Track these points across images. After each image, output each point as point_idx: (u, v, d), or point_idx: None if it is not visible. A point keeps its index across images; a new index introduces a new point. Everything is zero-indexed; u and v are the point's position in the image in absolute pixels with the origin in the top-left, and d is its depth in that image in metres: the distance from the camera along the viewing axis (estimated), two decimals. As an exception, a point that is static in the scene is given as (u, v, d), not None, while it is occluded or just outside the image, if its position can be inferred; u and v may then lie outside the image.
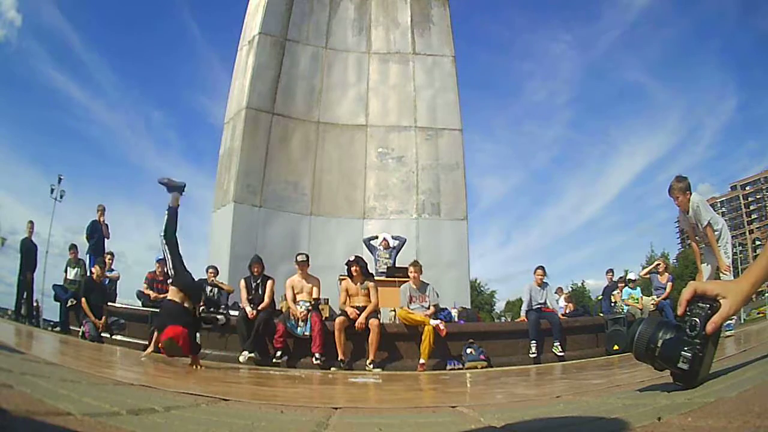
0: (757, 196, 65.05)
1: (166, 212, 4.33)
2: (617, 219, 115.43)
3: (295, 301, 5.57)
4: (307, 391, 2.97)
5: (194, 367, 3.86)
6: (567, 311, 8.06)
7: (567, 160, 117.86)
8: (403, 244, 7.40)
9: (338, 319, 5.35)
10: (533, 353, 5.72)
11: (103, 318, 6.30)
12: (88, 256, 8.08)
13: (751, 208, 65.82)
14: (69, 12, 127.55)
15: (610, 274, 9.00)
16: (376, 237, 7.53)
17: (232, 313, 6.13)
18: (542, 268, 6.55)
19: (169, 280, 4.50)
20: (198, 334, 4.40)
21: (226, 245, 7.70)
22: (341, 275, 6.18)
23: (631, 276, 8.19)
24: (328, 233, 8.27)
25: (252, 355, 5.27)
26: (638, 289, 7.91)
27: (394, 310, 6.08)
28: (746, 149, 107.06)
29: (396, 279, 6.40)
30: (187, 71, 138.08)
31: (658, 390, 1.31)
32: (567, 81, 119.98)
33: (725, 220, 5.50)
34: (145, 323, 6.05)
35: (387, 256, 7.22)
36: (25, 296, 8.04)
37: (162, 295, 6.64)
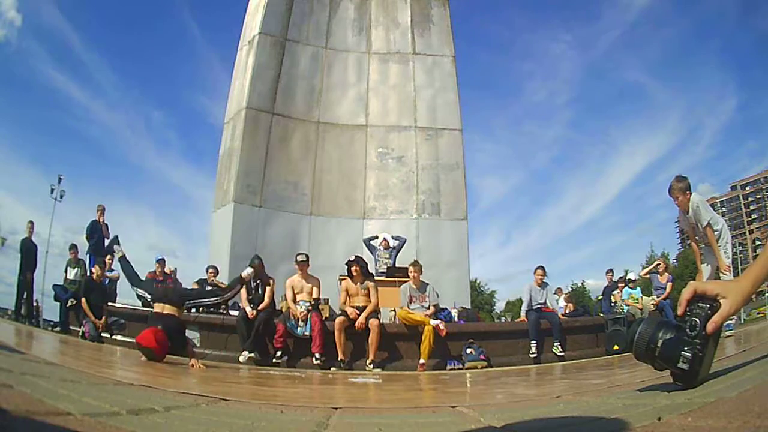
0: (757, 196, 65.04)
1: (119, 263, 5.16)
2: (617, 219, 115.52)
3: (295, 301, 5.57)
4: (307, 391, 2.97)
5: (192, 366, 3.86)
6: (567, 311, 8.06)
7: (567, 160, 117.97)
8: (403, 244, 7.40)
9: (338, 319, 5.35)
10: (533, 353, 5.72)
11: (103, 318, 6.30)
12: (88, 256, 8.09)
13: (751, 208, 65.81)
14: (69, 12, 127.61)
15: (610, 274, 9.00)
16: (376, 237, 7.53)
17: (232, 313, 6.14)
18: (542, 268, 6.55)
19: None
20: (188, 335, 4.46)
21: (226, 245, 7.70)
22: (341, 275, 6.18)
23: (631, 276, 8.19)
24: (328, 233, 8.27)
25: (252, 355, 5.27)
26: (638, 289, 7.91)
27: (394, 310, 6.08)
28: (746, 149, 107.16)
29: (396, 279, 6.40)
30: (187, 71, 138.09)
31: (658, 390, 1.31)
32: (567, 81, 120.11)
33: (725, 220, 5.50)
34: (145, 323, 6.03)
35: (387, 256, 7.22)
36: (25, 296, 8.03)
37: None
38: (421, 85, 9.00)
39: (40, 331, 7.18)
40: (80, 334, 6.15)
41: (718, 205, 60.43)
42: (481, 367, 5.26)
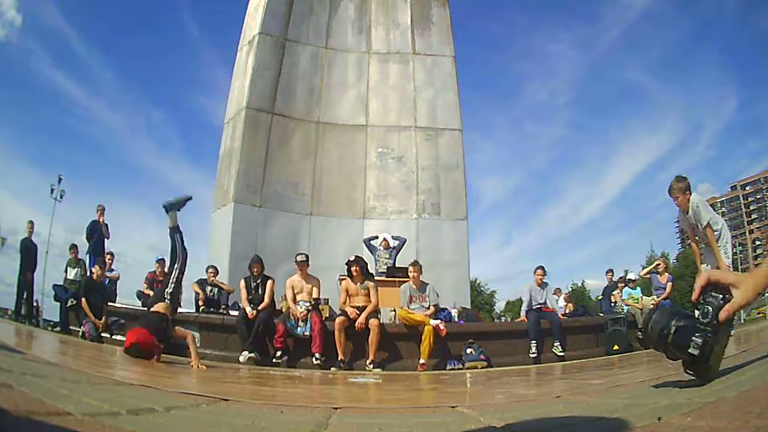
0: (757, 196, 65.04)
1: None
2: (617, 219, 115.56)
3: (295, 301, 5.57)
4: (307, 391, 2.97)
5: (192, 366, 3.86)
6: (567, 311, 8.06)
7: (567, 161, 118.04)
8: (403, 244, 7.40)
9: (338, 319, 5.35)
10: (533, 353, 5.72)
11: (103, 318, 6.30)
12: (88, 256, 8.08)
13: (751, 208, 65.79)
14: (69, 12, 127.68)
15: (610, 274, 9.00)
16: (376, 237, 7.53)
17: (232, 313, 6.14)
18: (542, 268, 6.55)
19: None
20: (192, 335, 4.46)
21: (226, 245, 7.70)
22: (341, 275, 6.18)
23: (631, 276, 8.18)
24: (328, 233, 8.27)
25: (252, 355, 5.27)
26: (638, 289, 7.90)
27: (394, 310, 6.08)
28: (746, 149, 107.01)
29: (396, 279, 6.40)
30: (187, 71, 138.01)
31: (658, 390, 1.31)
32: (567, 81, 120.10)
33: (725, 220, 5.49)
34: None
35: (387, 256, 7.22)
36: (25, 296, 8.03)
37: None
38: (421, 85, 9.00)
39: (40, 331, 7.17)
40: (80, 334, 6.15)
41: (718, 205, 60.40)
42: (481, 367, 5.26)
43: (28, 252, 8.07)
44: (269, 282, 5.83)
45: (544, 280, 6.47)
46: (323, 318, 5.63)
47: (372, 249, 7.38)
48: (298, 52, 8.77)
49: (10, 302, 8.50)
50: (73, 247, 8.23)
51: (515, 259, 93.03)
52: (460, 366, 5.35)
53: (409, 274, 5.88)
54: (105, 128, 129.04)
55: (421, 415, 1.58)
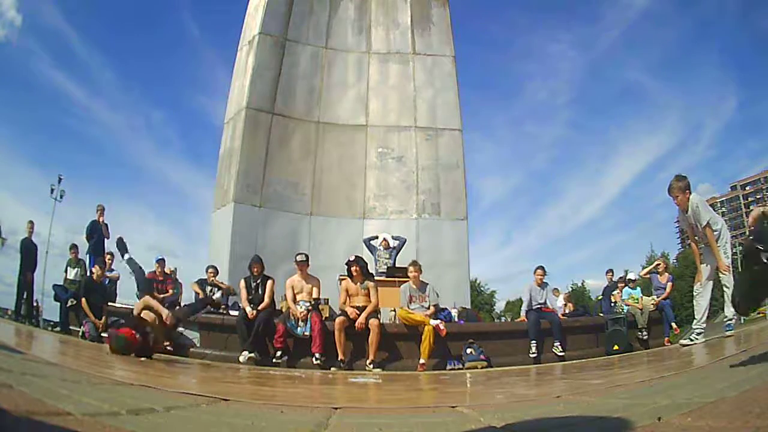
0: (757, 196, 65.02)
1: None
2: (617, 219, 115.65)
3: (295, 301, 5.57)
4: (307, 391, 2.97)
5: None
6: (567, 311, 8.05)
7: (567, 160, 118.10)
8: (403, 244, 7.40)
9: (338, 319, 5.35)
10: (533, 353, 5.71)
11: (103, 318, 6.30)
12: (88, 256, 8.08)
13: (751, 208, 65.66)
14: (69, 12, 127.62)
15: (610, 274, 8.98)
16: (376, 237, 7.52)
17: (232, 313, 6.13)
18: (542, 268, 6.55)
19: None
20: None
21: (226, 245, 7.69)
22: (341, 275, 6.18)
23: (631, 276, 8.16)
24: (328, 233, 8.26)
25: (252, 355, 5.26)
26: (638, 289, 7.88)
27: (394, 310, 6.08)
28: (746, 149, 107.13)
29: (396, 279, 6.39)
30: (187, 71, 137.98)
31: (658, 390, 1.31)
32: (567, 81, 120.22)
33: (725, 220, 5.49)
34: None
35: (387, 256, 7.22)
36: (25, 296, 8.02)
37: (162, 295, 6.65)
38: (421, 85, 9.00)
39: (40, 331, 7.18)
40: (80, 334, 6.15)
41: (718, 205, 60.41)
42: (481, 367, 5.26)
43: (28, 252, 8.06)
44: (269, 282, 5.83)
45: (544, 280, 6.47)
46: (323, 318, 5.63)
47: (372, 249, 7.37)
48: (298, 52, 8.77)
49: (10, 302, 8.49)
50: (73, 247, 8.23)
51: (515, 259, 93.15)
52: (460, 366, 5.35)
53: (409, 274, 5.88)
54: (105, 128, 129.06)
55: (421, 415, 1.58)
